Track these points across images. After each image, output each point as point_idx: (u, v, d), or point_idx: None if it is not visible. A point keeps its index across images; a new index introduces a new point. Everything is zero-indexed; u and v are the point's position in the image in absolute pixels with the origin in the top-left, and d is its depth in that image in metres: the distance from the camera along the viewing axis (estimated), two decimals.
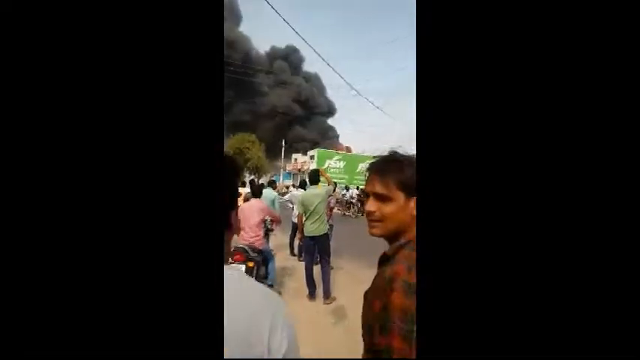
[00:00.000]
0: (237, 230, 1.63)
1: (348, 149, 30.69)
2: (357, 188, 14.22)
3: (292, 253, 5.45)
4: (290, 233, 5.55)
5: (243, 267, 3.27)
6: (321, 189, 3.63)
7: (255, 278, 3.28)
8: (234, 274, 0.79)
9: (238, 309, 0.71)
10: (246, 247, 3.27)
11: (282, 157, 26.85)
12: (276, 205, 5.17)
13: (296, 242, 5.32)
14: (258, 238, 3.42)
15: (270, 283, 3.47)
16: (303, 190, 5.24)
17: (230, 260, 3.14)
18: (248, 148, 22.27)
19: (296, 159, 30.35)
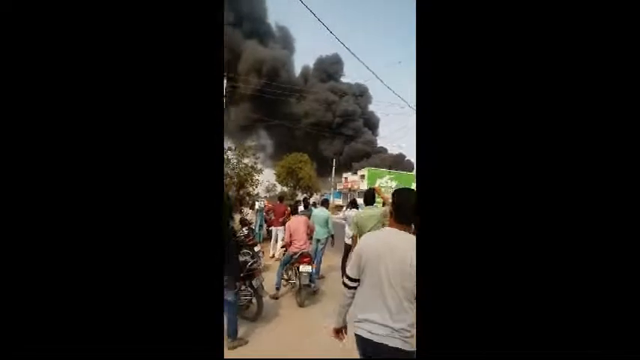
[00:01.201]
0: (288, 241, 2.84)
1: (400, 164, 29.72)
2: None
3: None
4: (342, 255, 5.41)
5: (309, 268, 3.99)
6: (376, 209, 3.50)
7: (310, 277, 4.09)
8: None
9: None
10: (309, 252, 4.21)
11: (333, 175, 27.11)
12: (330, 224, 5.11)
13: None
14: (305, 245, 4.29)
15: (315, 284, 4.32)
16: (356, 210, 5.11)
17: (297, 264, 4.05)
18: (300, 168, 22.98)
19: (346, 178, 30.32)
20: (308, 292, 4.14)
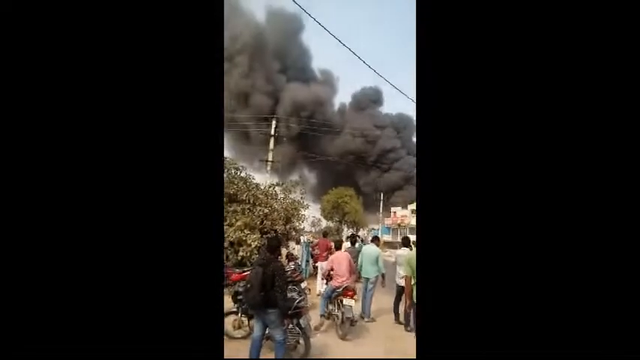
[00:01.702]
0: (326, 274, 2.87)
1: None
2: None
3: (397, 320, 4.83)
4: (395, 297, 5.00)
5: (353, 302, 4.05)
6: None
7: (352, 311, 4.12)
8: None
9: None
10: (354, 288, 4.22)
11: (381, 210, 26.30)
12: (380, 263, 4.84)
13: (401, 308, 4.72)
14: (348, 280, 4.32)
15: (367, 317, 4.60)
16: (407, 249, 4.79)
17: (340, 297, 4.10)
18: (346, 202, 22.81)
19: (395, 212, 29.11)
20: (350, 326, 4.08)
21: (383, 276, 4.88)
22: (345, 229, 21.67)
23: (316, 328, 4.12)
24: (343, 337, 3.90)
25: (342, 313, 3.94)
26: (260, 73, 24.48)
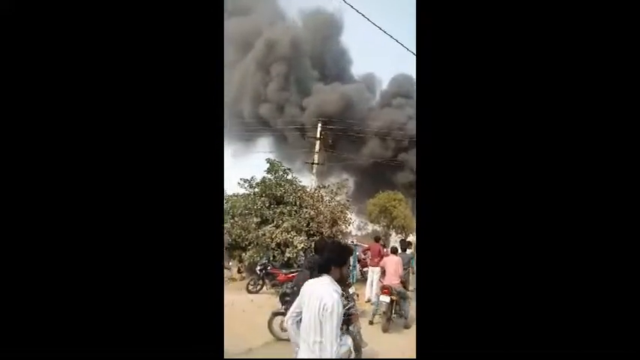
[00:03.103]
0: (383, 275, 4.53)
1: None
2: None
3: None
4: None
5: (388, 298, 4.55)
6: None
7: (394, 311, 4.69)
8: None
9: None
10: (391, 287, 4.64)
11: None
12: None
13: None
14: (396, 282, 4.72)
15: (406, 317, 4.72)
16: None
17: (378, 291, 4.74)
18: (394, 206, 21.96)
19: None
20: (388, 320, 4.53)
21: None
22: (394, 234, 20.80)
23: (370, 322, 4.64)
24: (385, 330, 4.41)
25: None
26: (297, 84, 24.75)
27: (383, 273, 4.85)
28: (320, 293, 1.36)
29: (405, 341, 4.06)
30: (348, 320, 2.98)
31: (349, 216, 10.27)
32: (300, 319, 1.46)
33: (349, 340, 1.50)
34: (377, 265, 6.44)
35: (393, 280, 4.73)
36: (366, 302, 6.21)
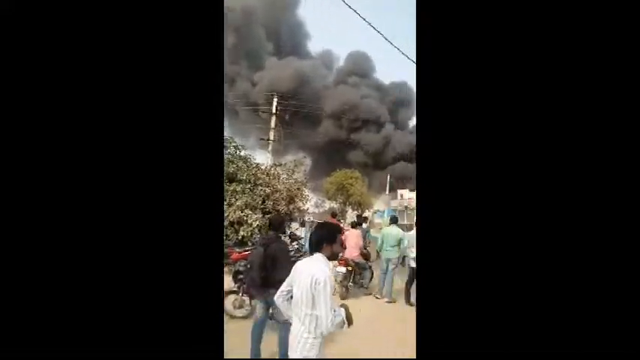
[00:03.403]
0: (343, 248, 4.13)
1: None
2: None
3: (408, 302, 4.59)
4: (407, 279, 4.75)
5: (344, 269, 4.71)
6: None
7: (352, 281, 4.91)
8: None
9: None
10: (347, 258, 4.86)
11: (387, 192, 25.95)
12: (404, 243, 4.63)
13: (413, 290, 4.49)
14: (356, 255, 4.98)
15: (365, 287, 4.99)
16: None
17: (336, 263, 4.57)
18: (351, 184, 22.56)
19: (402, 195, 28.80)
20: (345, 289, 4.76)
21: (403, 259, 4.96)
22: (350, 210, 21.50)
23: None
24: (342, 297, 4.56)
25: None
26: (248, 57, 23.11)
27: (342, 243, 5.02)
28: (311, 269, 1.45)
29: (365, 303, 4.53)
30: None
31: (306, 193, 10.28)
32: (291, 297, 1.55)
33: (343, 312, 1.51)
34: None
35: (353, 252, 4.92)
36: None
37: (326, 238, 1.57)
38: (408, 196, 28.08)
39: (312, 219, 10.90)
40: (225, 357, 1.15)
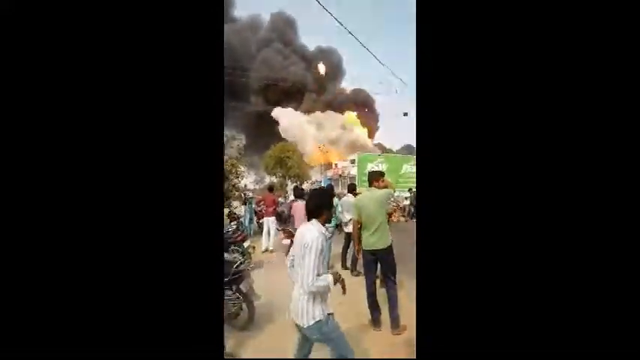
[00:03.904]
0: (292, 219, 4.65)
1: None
2: (410, 190, 13.12)
3: (344, 266, 4.89)
4: (343, 244, 5.00)
5: (289, 241, 4.65)
6: (376, 192, 2.97)
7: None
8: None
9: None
10: (290, 230, 4.73)
11: (322, 162, 26.59)
12: (339, 209, 4.82)
13: (349, 254, 4.77)
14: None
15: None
16: (351, 196, 4.68)
17: (281, 235, 4.82)
18: (288, 157, 22.45)
19: (336, 164, 29.88)
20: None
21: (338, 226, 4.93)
22: (289, 183, 21.58)
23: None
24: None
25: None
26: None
27: (283, 220, 4.97)
28: (305, 234, 1.52)
29: None
30: (238, 278, 2.86)
31: (242, 169, 9.87)
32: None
33: (330, 278, 1.50)
34: (272, 214, 6.50)
35: (298, 223, 4.66)
36: (263, 252, 6.31)
37: (325, 205, 1.64)
38: (342, 165, 29.36)
39: (251, 195, 10.59)
40: (225, 357, 1.26)
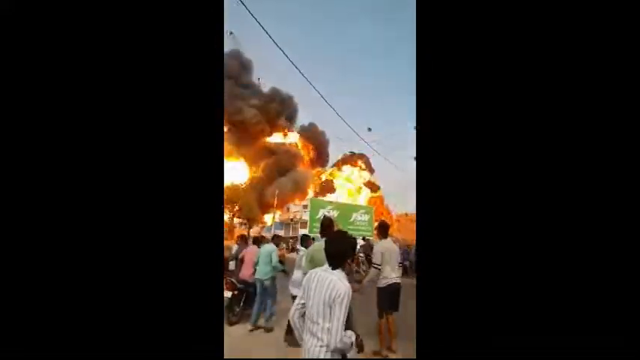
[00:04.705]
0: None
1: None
2: (364, 239, 11.67)
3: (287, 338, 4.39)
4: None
5: (230, 294, 4.26)
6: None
7: (243, 303, 4.35)
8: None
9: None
10: (233, 281, 4.42)
11: (275, 205, 26.20)
12: (275, 260, 4.32)
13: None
14: (249, 274, 4.42)
15: (267, 316, 4.09)
16: (304, 249, 4.32)
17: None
18: (239, 198, 21.73)
19: (288, 208, 29.66)
20: (233, 314, 4.33)
21: (285, 272, 4.39)
22: (238, 226, 20.59)
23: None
24: (230, 324, 4.12)
25: None
26: None
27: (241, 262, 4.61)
28: (332, 282, 1.38)
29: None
30: None
31: None
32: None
33: (354, 337, 1.40)
34: None
35: (247, 271, 4.41)
36: None
37: (348, 254, 1.52)
38: (294, 209, 29.20)
39: None
40: (225, 357, 1.14)
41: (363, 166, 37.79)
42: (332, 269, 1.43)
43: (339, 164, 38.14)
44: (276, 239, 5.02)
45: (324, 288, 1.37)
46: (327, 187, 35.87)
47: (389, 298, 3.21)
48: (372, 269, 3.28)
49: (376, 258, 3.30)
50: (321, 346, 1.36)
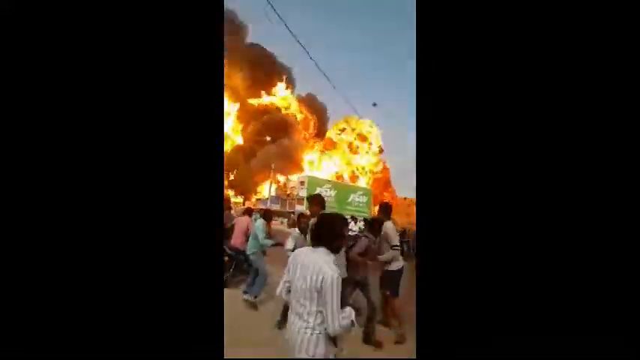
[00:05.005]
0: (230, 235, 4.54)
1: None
2: (365, 220, 12.24)
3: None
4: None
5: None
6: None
7: (232, 270, 4.42)
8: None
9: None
10: (224, 247, 4.38)
11: (270, 181, 25.61)
12: (261, 234, 3.98)
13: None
14: (240, 242, 4.36)
15: (253, 295, 3.74)
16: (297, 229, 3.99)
17: None
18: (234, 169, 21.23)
19: (286, 182, 29.22)
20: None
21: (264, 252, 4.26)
22: (232, 199, 20.23)
23: None
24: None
25: None
26: None
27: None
28: (317, 265, 1.35)
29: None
30: None
31: None
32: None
33: (353, 313, 1.29)
34: None
35: (238, 239, 4.36)
36: None
37: (338, 233, 1.47)
38: (290, 185, 28.89)
39: None
40: (225, 357, 1.15)
41: (365, 127, 36.84)
42: (315, 246, 1.44)
43: (338, 124, 37.46)
44: (268, 213, 4.73)
45: (309, 270, 1.34)
46: (327, 144, 35.34)
47: (397, 283, 3.13)
48: (392, 250, 3.10)
49: (394, 239, 3.16)
50: (306, 328, 1.34)
